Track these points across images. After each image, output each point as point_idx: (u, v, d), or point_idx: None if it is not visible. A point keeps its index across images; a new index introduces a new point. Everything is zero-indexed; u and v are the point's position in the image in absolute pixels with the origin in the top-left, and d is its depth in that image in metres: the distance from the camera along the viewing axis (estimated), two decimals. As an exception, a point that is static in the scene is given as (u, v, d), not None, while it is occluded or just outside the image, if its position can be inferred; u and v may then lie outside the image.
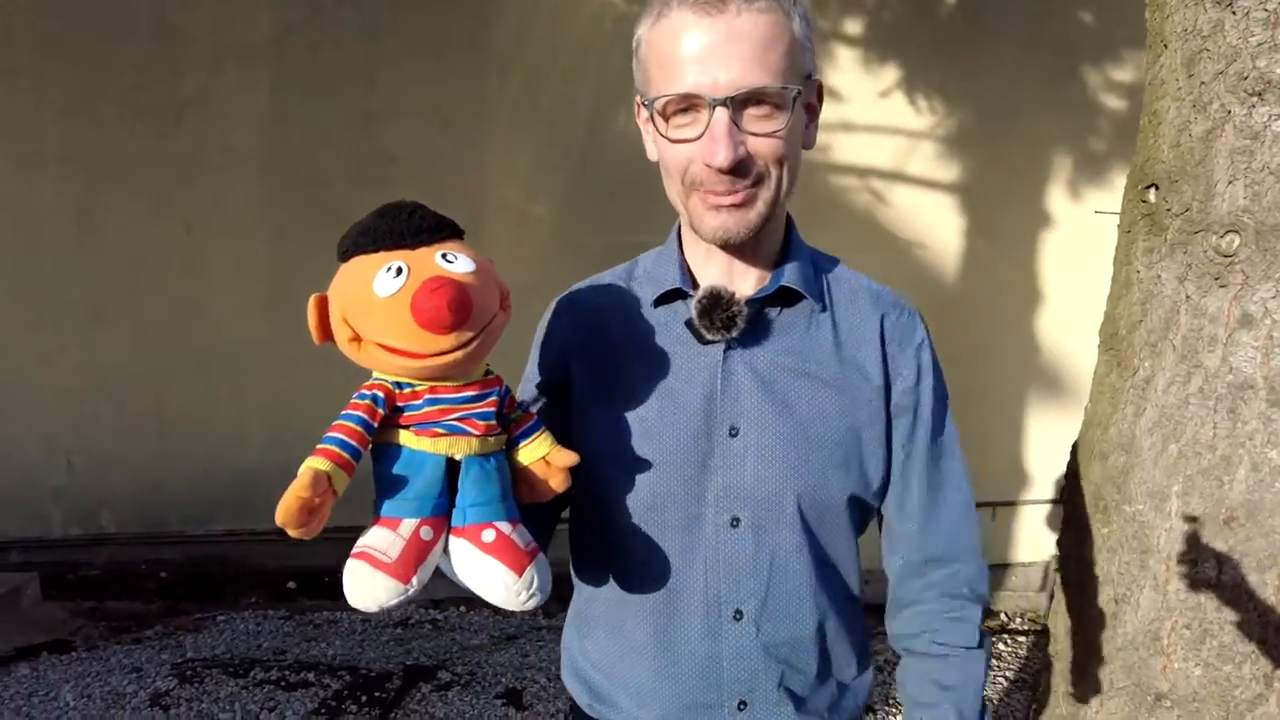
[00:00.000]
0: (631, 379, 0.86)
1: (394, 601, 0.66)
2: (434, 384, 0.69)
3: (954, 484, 0.94)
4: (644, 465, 0.84)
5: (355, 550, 0.67)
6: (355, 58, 3.60)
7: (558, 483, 0.78)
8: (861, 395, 0.88)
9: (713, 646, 0.86)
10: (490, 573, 0.69)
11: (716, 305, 0.82)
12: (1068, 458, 1.88)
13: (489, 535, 0.70)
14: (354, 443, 0.65)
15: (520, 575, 0.69)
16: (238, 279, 3.60)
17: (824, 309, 0.89)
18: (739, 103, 0.75)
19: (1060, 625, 1.84)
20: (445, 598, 3.52)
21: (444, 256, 0.67)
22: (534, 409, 0.82)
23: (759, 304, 0.85)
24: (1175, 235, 1.54)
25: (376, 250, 0.67)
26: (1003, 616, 3.59)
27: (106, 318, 3.67)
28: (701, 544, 0.85)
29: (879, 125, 3.71)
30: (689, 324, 0.85)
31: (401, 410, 0.69)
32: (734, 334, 0.83)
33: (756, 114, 0.77)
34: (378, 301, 0.65)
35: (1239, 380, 1.48)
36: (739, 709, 0.87)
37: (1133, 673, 1.66)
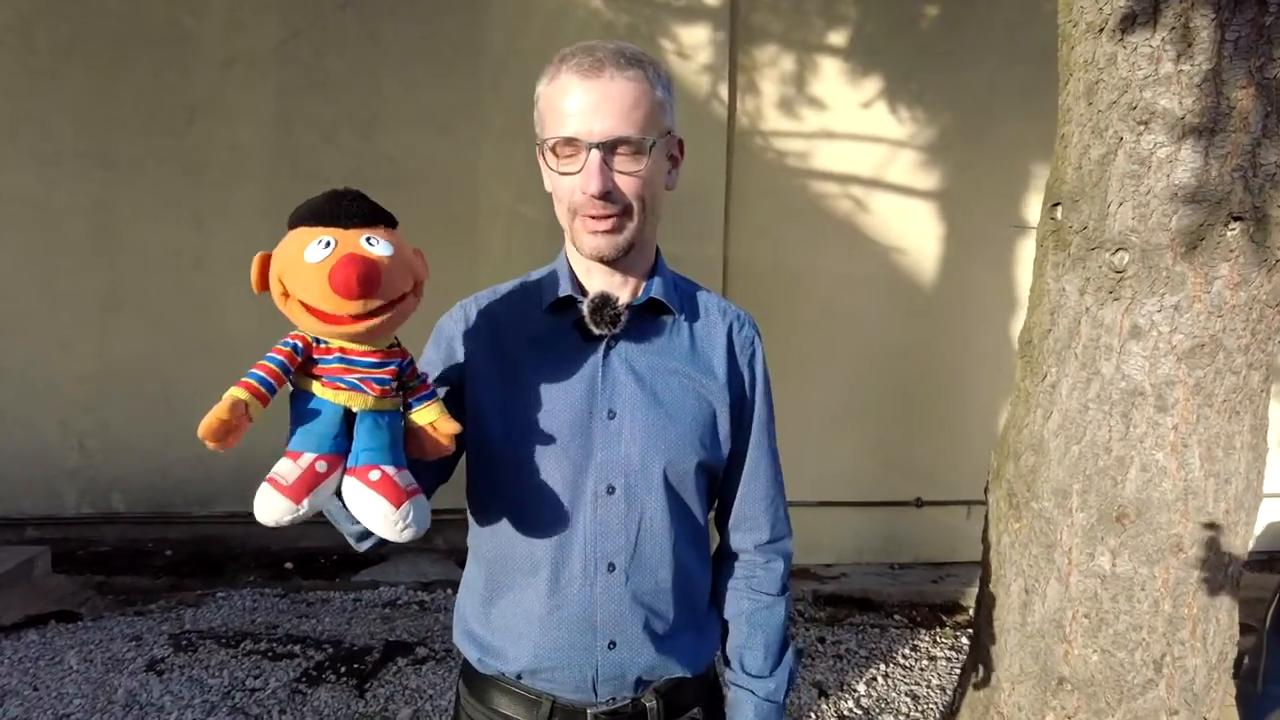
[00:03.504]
0: (524, 371, 1.02)
1: (288, 519, 0.79)
2: (344, 345, 0.82)
3: (768, 464, 1.14)
4: (535, 443, 1.00)
5: (267, 476, 0.80)
6: (358, 63, 3.77)
7: (443, 445, 0.93)
8: (710, 389, 1.07)
9: (589, 594, 1.01)
10: (374, 505, 0.82)
11: (605, 305, 1.00)
12: (992, 455, 2.00)
13: (374, 475, 0.83)
14: (271, 380, 0.79)
15: (398, 508, 0.83)
16: (244, 272, 3.65)
17: (684, 319, 1.09)
18: (608, 146, 0.95)
19: (980, 613, 1.97)
20: (434, 580, 3.69)
21: (368, 240, 0.81)
22: (431, 382, 0.96)
23: (631, 311, 1.03)
24: (1076, 251, 1.65)
25: (316, 225, 0.81)
26: (970, 612, 3.69)
27: (119, 308, 3.85)
28: (582, 508, 1.00)
29: (860, 134, 3.82)
30: (578, 323, 1.02)
31: (316, 361, 0.82)
32: (616, 330, 1.00)
33: (623, 156, 0.96)
34: (305, 266, 0.78)
35: (1131, 387, 1.60)
36: (609, 648, 1.02)
37: (1039, 658, 1.78)
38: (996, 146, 3.80)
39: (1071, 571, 1.72)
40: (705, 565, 1.12)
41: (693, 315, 1.09)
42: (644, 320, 1.04)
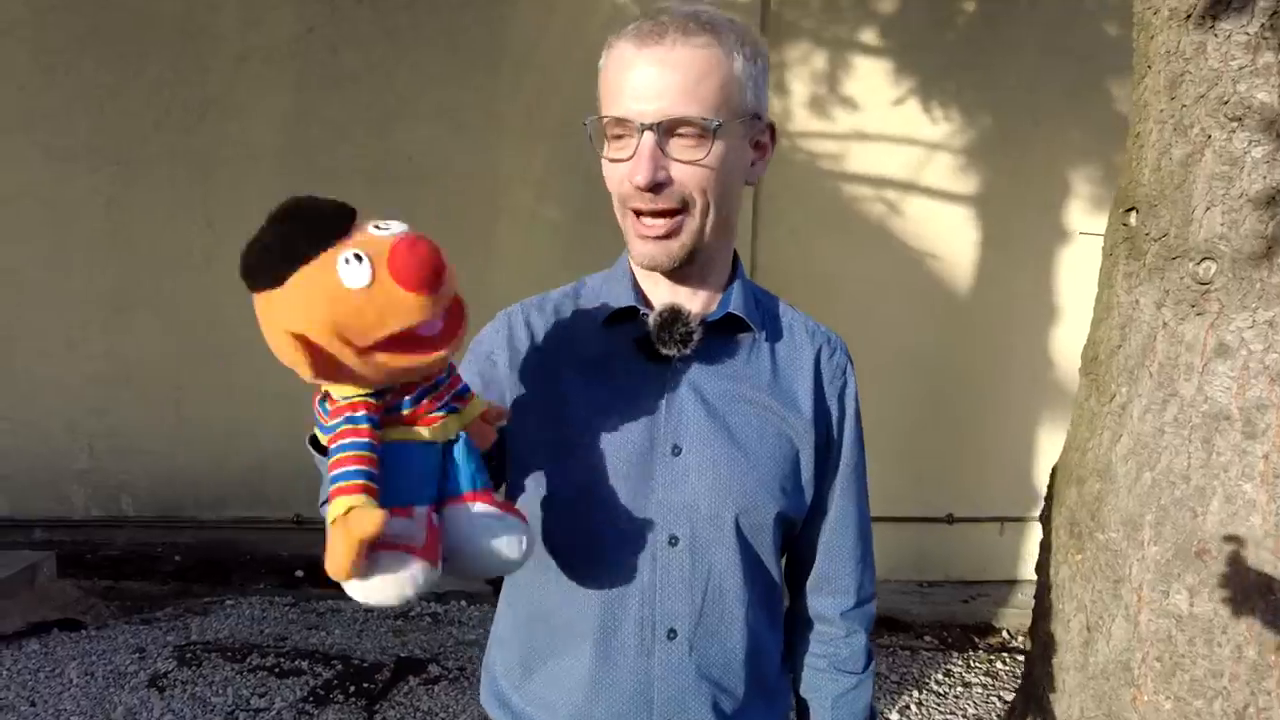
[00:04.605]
0: (576, 395, 0.87)
1: (427, 588, 0.64)
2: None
3: (856, 516, 0.97)
4: (584, 482, 0.85)
5: (378, 542, 0.61)
6: (374, 59, 3.67)
7: (490, 434, 0.79)
8: (794, 424, 0.90)
9: (645, 665, 0.86)
10: (511, 528, 0.70)
11: (676, 320, 0.84)
12: (1049, 478, 1.86)
13: (497, 496, 0.72)
14: (371, 469, 0.62)
15: (527, 523, 0.72)
16: None
17: (764, 339, 0.92)
18: (665, 129, 0.79)
19: (1035, 649, 1.82)
20: (448, 591, 3.58)
21: (376, 226, 0.63)
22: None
23: (704, 329, 0.87)
24: (1153, 260, 1.51)
25: (311, 255, 0.60)
26: (1005, 634, 3.54)
27: (130, 307, 3.77)
28: (639, 562, 0.85)
29: (894, 135, 3.68)
30: (641, 341, 0.87)
31: (392, 410, 0.67)
32: (688, 350, 0.85)
33: (682, 142, 0.80)
34: (358, 295, 0.59)
35: (1214, 410, 1.45)
36: None
37: (1103, 702, 1.63)
38: (1037, 150, 3.64)
39: (1142, 609, 1.57)
40: (778, 629, 0.97)
41: (774, 335, 0.93)
42: (717, 339, 0.89)
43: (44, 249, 3.71)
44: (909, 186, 3.70)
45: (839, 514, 0.95)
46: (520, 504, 0.89)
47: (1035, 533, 3.87)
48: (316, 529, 0.65)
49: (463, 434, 0.72)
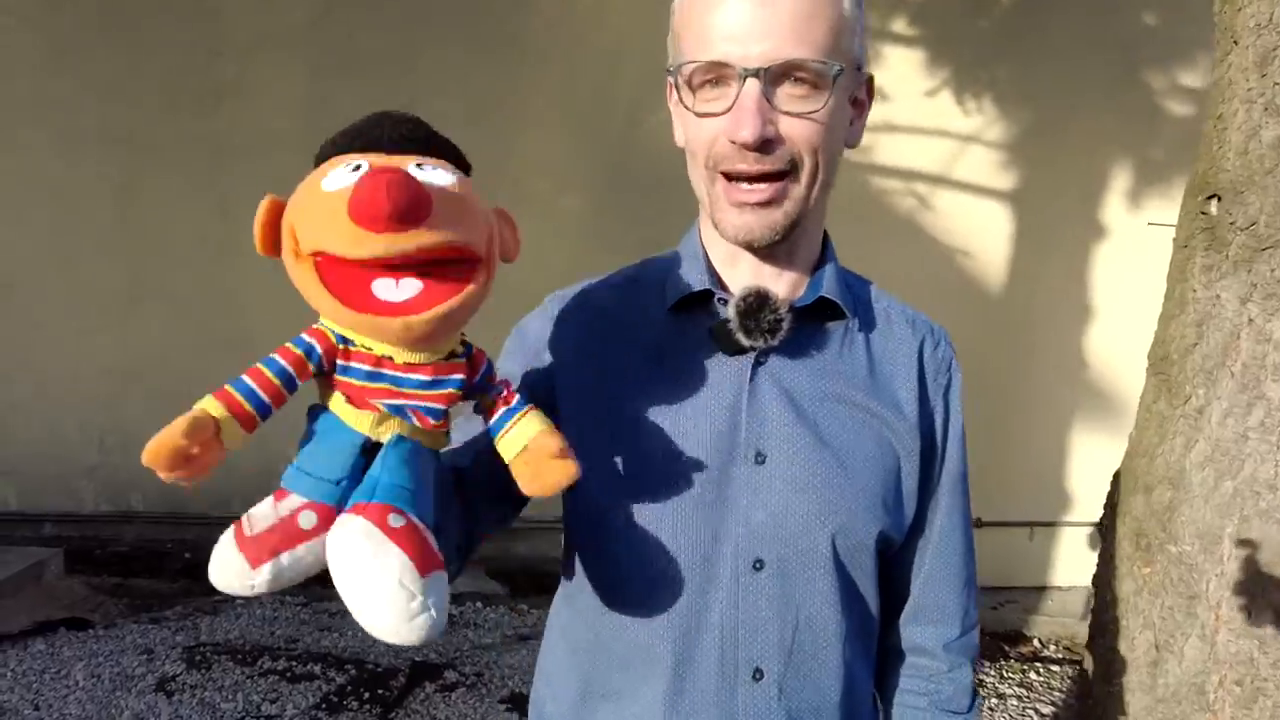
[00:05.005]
0: (638, 394, 0.76)
1: (238, 587, 0.55)
2: (385, 353, 0.57)
3: (961, 534, 0.86)
4: (652, 496, 0.74)
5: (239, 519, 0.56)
6: (392, 44, 3.58)
7: (547, 482, 0.62)
8: (896, 428, 0.79)
9: (726, 711, 0.74)
10: (386, 564, 0.52)
11: (764, 307, 0.72)
12: (1109, 485, 1.75)
13: (397, 520, 0.54)
14: (265, 396, 0.55)
15: (423, 576, 0.53)
16: (273, 264, 3.57)
17: (857, 329, 0.80)
18: (773, 76, 0.68)
19: (1095, 668, 1.72)
20: (462, 592, 3.48)
21: (418, 165, 0.57)
22: (515, 392, 0.66)
23: (792, 315, 0.74)
24: (1238, 252, 1.40)
25: (349, 152, 0.58)
26: (1036, 643, 3.43)
27: (142, 298, 3.70)
28: (718, 590, 0.74)
29: (925, 126, 3.57)
30: (717, 330, 0.75)
31: (340, 371, 0.58)
32: (775, 341, 0.73)
33: (792, 91, 0.69)
34: (321, 197, 0.55)
35: (1306, 414, 1.35)
36: None
37: (1172, 726, 1.53)
38: (1074, 143, 3.52)
39: (1219, 629, 1.47)
40: (870, 665, 0.85)
41: (868, 324, 0.82)
42: (805, 329, 0.77)
43: (54, 238, 3.65)
44: (941, 180, 3.59)
45: (942, 532, 0.84)
46: (575, 520, 0.79)
47: (1068, 539, 3.78)
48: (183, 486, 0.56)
49: (410, 443, 0.58)
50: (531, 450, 0.62)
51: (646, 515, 0.74)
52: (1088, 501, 3.68)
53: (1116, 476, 1.72)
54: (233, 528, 0.55)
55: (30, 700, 2.45)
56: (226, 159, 3.61)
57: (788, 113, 0.68)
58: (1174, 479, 1.52)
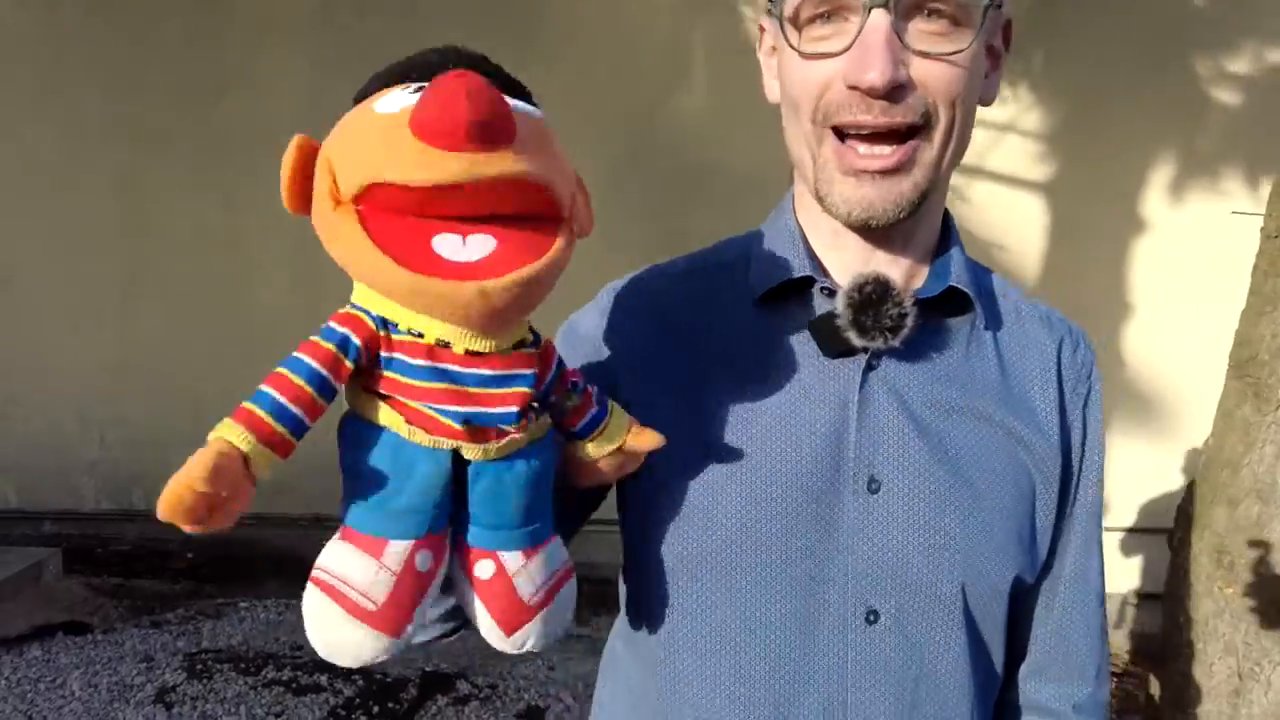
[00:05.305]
0: (719, 407, 0.63)
1: (382, 658, 0.48)
2: (438, 339, 0.45)
3: (1096, 575, 0.73)
4: (738, 530, 0.61)
5: (318, 576, 0.47)
6: (399, 33, 3.46)
7: (629, 466, 0.59)
8: (1034, 446, 0.66)
9: None
10: (475, 612, 0.52)
11: (884, 299, 0.59)
12: (1182, 493, 1.62)
13: (485, 569, 0.50)
14: (297, 409, 0.43)
15: (509, 635, 0.52)
16: (277, 256, 3.51)
17: (982, 325, 0.67)
18: (905, 8, 0.55)
19: (1165, 693, 1.59)
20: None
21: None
22: (591, 389, 0.56)
23: (917, 310, 0.62)
24: (1346, 242, 1.27)
25: (405, 82, 0.48)
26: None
27: (144, 290, 3.62)
28: (822, 648, 0.62)
29: (958, 114, 3.44)
30: (820, 326, 0.61)
31: (384, 366, 0.46)
32: (896, 342, 0.61)
33: (927, 28, 0.56)
34: (374, 119, 0.44)
35: None
36: None
37: (1256, 761, 1.40)
38: (1113, 133, 3.39)
39: (1315, 657, 1.33)
40: None
41: (994, 321, 0.68)
42: (926, 325, 0.63)
43: (53, 228, 3.57)
44: (974, 171, 3.46)
45: (1075, 572, 0.71)
46: (644, 559, 0.66)
47: (1105, 545, 3.65)
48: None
49: (492, 469, 0.48)
50: (626, 444, 0.56)
51: (730, 553, 0.61)
52: (1124, 506, 3.55)
53: (1191, 487, 1.59)
54: (332, 600, 0.46)
55: (24, 711, 2.35)
56: (230, 150, 3.52)
57: (922, 53, 0.56)
58: (1263, 492, 1.39)
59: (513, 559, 0.50)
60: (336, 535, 0.48)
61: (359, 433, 0.47)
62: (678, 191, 3.49)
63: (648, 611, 0.67)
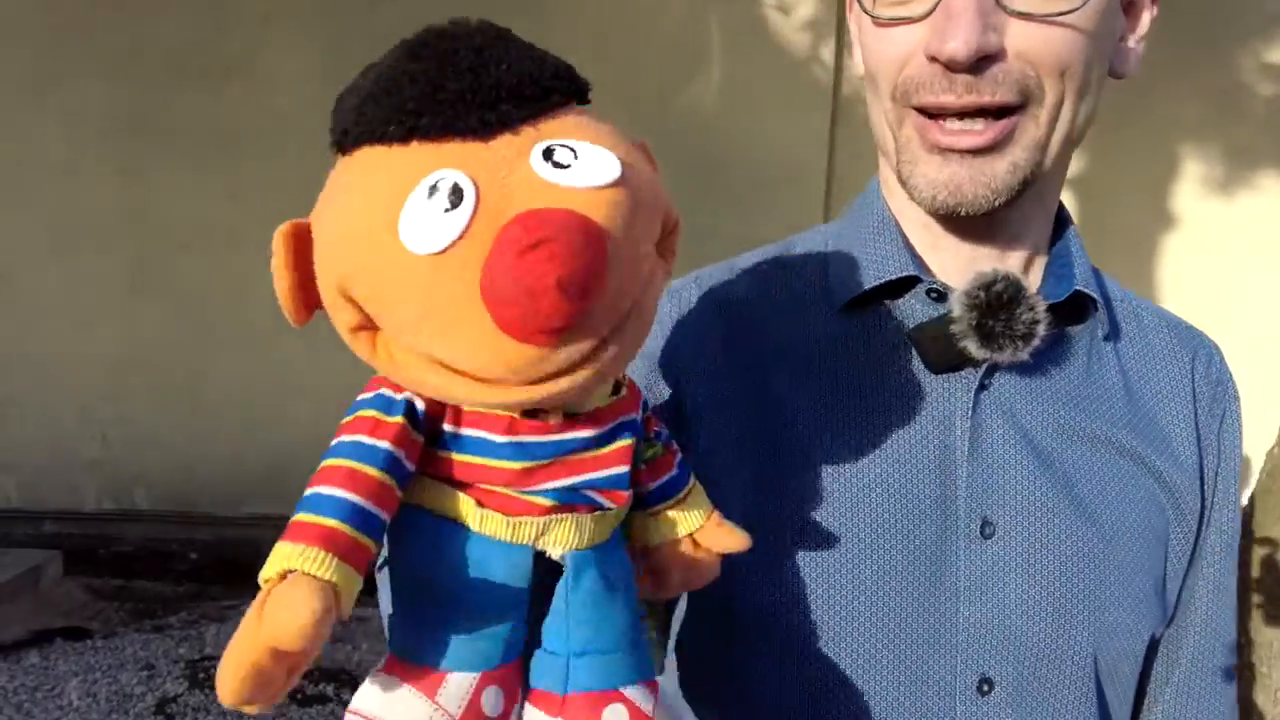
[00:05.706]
0: (802, 429, 0.55)
1: None
2: (520, 414, 0.37)
3: (1229, 624, 0.66)
4: (829, 581, 0.53)
5: None
6: (409, 18, 3.36)
7: (702, 574, 0.46)
8: (1169, 479, 0.58)
9: None
10: None
11: (1016, 301, 0.50)
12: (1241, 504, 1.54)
13: (617, 713, 0.37)
14: (376, 507, 0.34)
15: None
16: None
17: (1104, 336, 0.58)
18: None
19: None
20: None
21: (548, 155, 0.34)
22: (671, 442, 0.47)
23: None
24: None
25: (406, 138, 0.35)
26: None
27: (146, 285, 3.58)
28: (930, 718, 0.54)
29: (983, 106, 3.37)
30: (927, 335, 0.52)
31: (448, 443, 0.37)
32: (1026, 354, 0.52)
33: None
34: (410, 263, 0.33)
35: None
36: None
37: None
38: (1143, 127, 3.33)
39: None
40: None
41: (1114, 330, 0.59)
42: (1050, 337, 0.54)
43: (54, 223, 3.54)
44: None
45: (1205, 621, 0.63)
46: (715, 617, 0.56)
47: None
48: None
49: (592, 562, 0.38)
50: (704, 535, 0.43)
51: (823, 611, 0.52)
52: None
53: (1253, 499, 1.49)
54: None
55: (19, 722, 2.30)
56: (235, 140, 3.50)
57: (1023, 14, 0.47)
58: (1337, 507, 1.29)
59: (638, 692, 0.37)
60: (378, 666, 0.38)
61: (411, 522, 0.37)
62: (691, 184, 3.43)
63: (718, 679, 0.58)
